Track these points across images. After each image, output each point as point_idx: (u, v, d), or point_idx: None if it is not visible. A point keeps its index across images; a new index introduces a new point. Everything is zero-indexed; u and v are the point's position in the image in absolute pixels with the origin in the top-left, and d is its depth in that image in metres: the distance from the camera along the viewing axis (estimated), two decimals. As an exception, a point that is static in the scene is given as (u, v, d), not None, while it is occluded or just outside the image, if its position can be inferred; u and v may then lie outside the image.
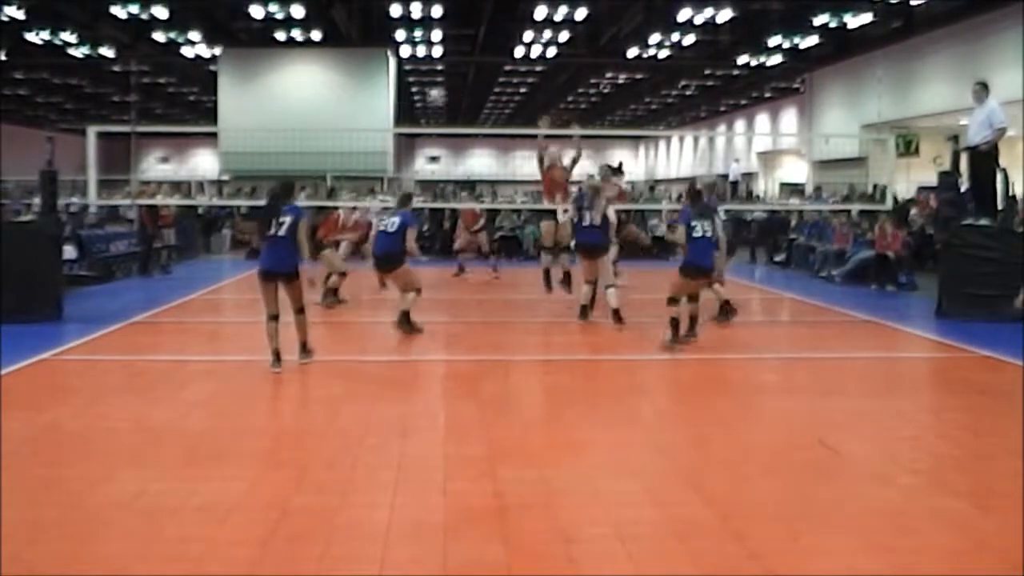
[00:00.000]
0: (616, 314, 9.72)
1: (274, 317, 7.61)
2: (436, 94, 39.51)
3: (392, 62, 26.76)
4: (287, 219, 7.61)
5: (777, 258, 19.00)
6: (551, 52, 28.09)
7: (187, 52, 27.20)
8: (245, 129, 22.78)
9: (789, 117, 33.08)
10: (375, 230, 9.86)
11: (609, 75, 34.20)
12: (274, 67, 26.23)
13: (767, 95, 34.62)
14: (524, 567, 3.85)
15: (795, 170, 31.53)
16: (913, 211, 17.97)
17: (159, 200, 16.61)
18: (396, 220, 9.50)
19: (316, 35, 25.79)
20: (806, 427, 6.17)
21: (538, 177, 11.54)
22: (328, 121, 22.83)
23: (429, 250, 19.88)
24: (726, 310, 10.30)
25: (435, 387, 7.57)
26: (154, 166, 47.95)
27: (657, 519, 4.42)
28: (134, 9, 22.48)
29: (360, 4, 24.86)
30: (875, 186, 22.14)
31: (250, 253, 20.25)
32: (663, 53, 27.69)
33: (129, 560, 3.86)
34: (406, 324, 9.49)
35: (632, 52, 27.52)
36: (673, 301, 8.64)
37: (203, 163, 46.17)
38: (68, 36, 24.48)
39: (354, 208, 12.90)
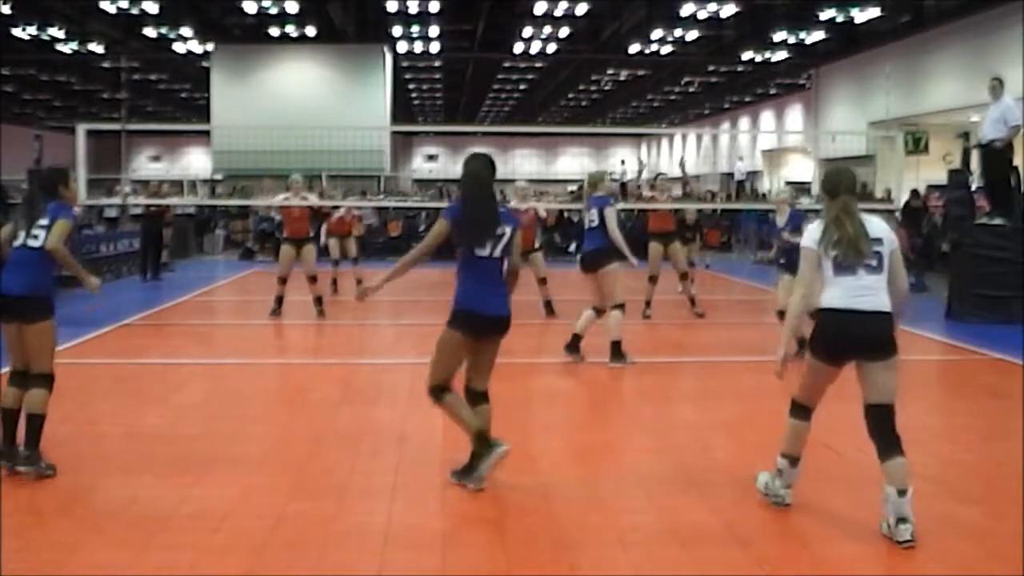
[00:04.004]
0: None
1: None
2: None
3: (388, 58, 26.54)
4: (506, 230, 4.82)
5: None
6: (551, 48, 28.02)
7: (179, 48, 26.94)
8: (238, 127, 22.58)
9: (795, 114, 33.06)
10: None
11: (611, 72, 34.08)
12: (268, 63, 25.98)
13: (772, 92, 34.60)
14: (524, 574, 3.78)
15: (801, 168, 31.29)
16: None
17: (166, 200, 16.34)
18: (594, 211, 8.07)
19: (311, 31, 25.65)
20: (812, 431, 5.93)
21: (538, 176, 11.13)
22: (323, 119, 22.69)
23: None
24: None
25: None
26: (145, 165, 47.66)
27: (660, 525, 4.35)
28: (124, 4, 22.19)
29: (356, -1, 24.66)
30: (864, 184, 21.94)
31: (244, 253, 20.01)
32: (666, 49, 27.65)
33: (120, 569, 3.78)
34: (619, 356, 7.97)
35: (634, 48, 27.44)
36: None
37: (195, 162, 45.93)
38: (56, 31, 24.28)
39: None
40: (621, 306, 7.95)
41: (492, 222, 4.70)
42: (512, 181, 13.34)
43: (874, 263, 4.13)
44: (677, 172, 13.29)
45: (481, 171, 4.81)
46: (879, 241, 4.17)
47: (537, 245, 11.13)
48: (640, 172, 13.71)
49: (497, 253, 4.72)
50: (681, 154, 38.86)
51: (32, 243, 4.92)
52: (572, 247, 20.17)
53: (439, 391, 4.76)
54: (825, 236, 4.17)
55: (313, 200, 11.51)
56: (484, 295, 4.67)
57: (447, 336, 4.74)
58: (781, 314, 7.98)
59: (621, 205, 11.56)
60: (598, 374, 8.00)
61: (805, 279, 4.28)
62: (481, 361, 4.80)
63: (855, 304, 4.10)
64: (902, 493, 4.00)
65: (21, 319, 4.88)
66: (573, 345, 8.15)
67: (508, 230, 4.75)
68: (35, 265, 4.92)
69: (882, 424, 4.19)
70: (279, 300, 10.68)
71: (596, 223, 8.05)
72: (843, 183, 4.24)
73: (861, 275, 4.11)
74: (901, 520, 3.99)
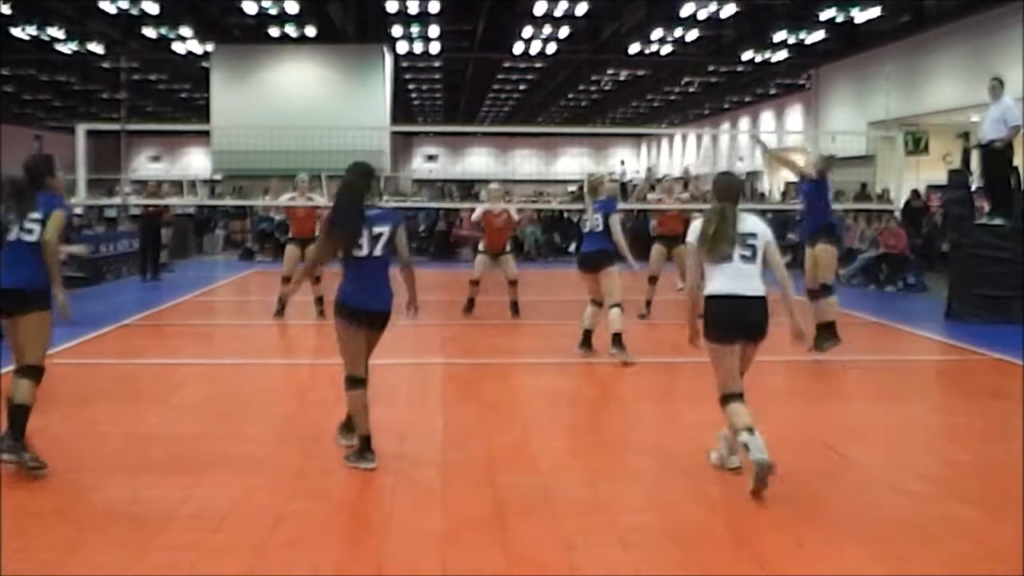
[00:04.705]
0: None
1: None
2: None
3: (388, 59, 26.51)
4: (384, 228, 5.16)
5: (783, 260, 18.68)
6: (551, 48, 27.97)
7: (178, 48, 26.88)
8: (238, 127, 22.51)
9: (795, 114, 33.00)
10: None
11: (610, 72, 34.03)
12: (268, 64, 25.96)
13: (772, 92, 34.56)
14: (524, 574, 3.79)
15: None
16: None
17: (165, 200, 16.33)
18: (599, 216, 8.29)
19: (310, 31, 25.61)
20: (812, 431, 6.11)
21: (538, 176, 11.05)
22: (323, 119, 22.66)
23: (426, 251, 19.61)
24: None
25: (433, 391, 7.39)
26: (145, 165, 47.61)
27: (660, 525, 4.35)
28: (123, 4, 22.16)
29: (356, -1, 24.63)
30: (863, 184, 22.09)
31: (244, 254, 20.01)
32: (666, 49, 27.60)
33: (120, 569, 3.78)
34: (620, 345, 8.11)
35: (634, 48, 27.39)
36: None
37: (195, 162, 45.92)
38: (56, 32, 24.20)
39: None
40: (619, 305, 8.16)
41: (356, 224, 5.01)
42: (514, 182, 13.33)
43: (748, 254, 4.81)
44: (679, 173, 13.37)
45: (352, 180, 5.13)
46: (753, 235, 4.85)
47: (509, 248, 10.99)
48: (649, 177, 13.70)
49: (377, 252, 5.08)
50: (684, 160, 39.04)
51: (27, 238, 4.88)
52: (572, 247, 20.19)
53: (350, 381, 5.16)
54: (701, 235, 4.87)
55: (319, 200, 11.48)
56: (364, 292, 5.07)
57: (338, 327, 5.18)
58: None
59: (623, 205, 11.63)
60: (598, 374, 8.02)
61: (691, 268, 5.05)
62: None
63: (736, 289, 4.77)
64: (737, 435, 4.72)
65: (20, 311, 4.85)
66: (585, 342, 8.41)
67: (387, 229, 5.09)
68: (32, 259, 4.88)
69: None
70: (282, 300, 10.67)
71: (600, 227, 8.26)
72: (723, 192, 4.92)
73: (737, 263, 4.79)
74: (733, 453, 4.91)
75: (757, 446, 4.57)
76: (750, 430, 4.62)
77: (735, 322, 4.78)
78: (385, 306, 5.16)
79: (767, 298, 4.81)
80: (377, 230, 5.06)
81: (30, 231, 4.88)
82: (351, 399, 5.16)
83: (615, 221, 8.31)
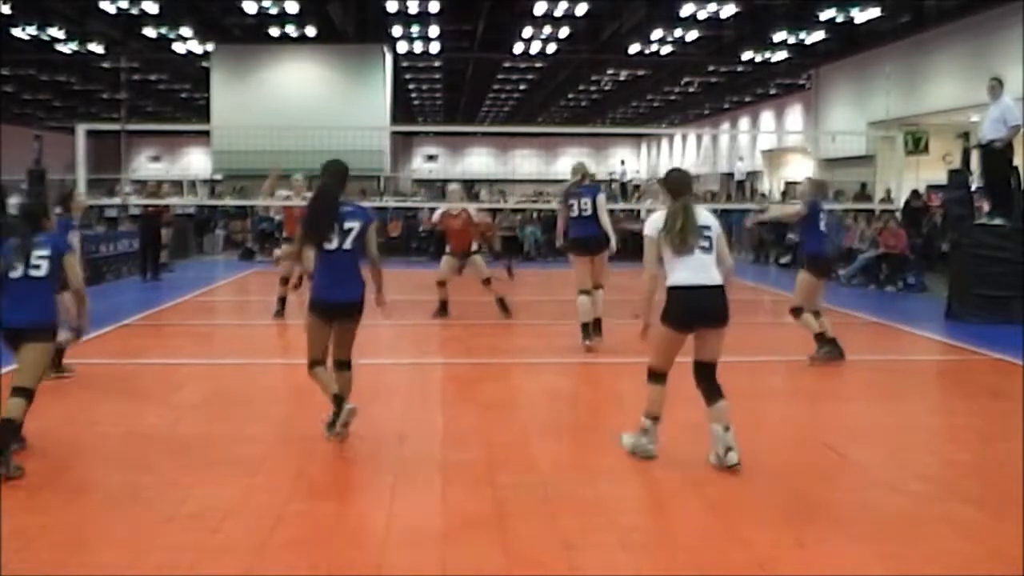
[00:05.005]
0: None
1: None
2: None
3: (388, 59, 26.49)
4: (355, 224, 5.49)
5: (783, 260, 18.71)
6: (551, 48, 27.97)
7: (179, 48, 26.89)
8: (238, 127, 22.48)
9: (795, 114, 32.96)
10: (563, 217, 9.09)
11: (610, 72, 33.99)
12: (268, 64, 25.95)
13: (772, 92, 34.50)
14: (524, 574, 3.78)
15: (801, 169, 31.26)
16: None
17: (165, 200, 16.33)
18: (587, 200, 8.66)
19: (311, 31, 25.60)
20: (812, 432, 6.16)
21: (538, 176, 11.02)
22: (323, 119, 22.60)
23: (425, 251, 19.60)
24: None
25: (433, 391, 7.41)
26: (145, 165, 47.60)
27: (660, 525, 4.40)
28: (124, 4, 22.18)
29: (356, -1, 24.62)
30: (863, 184, 22.10)
31: (244, 254, 20.03)
32: (666, 49, 27.58)
33: (120, 569, 3.78)
34: (599, 332, 8.71)
35: (634, 48, 27.37)
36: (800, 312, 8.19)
37: (195, 162, 45.93)
38: (56, 31, 24.19)
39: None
40: (602, 286, 8.80)
41: (328, 222, 5.38)
42: (514, 181, 13.28)
43: (706, 244, 5.04)
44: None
45: (327, 181, 5.53)
46: (708, 228, 5.07)
47: (475, 248, 10.80)
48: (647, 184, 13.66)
49: (347, 246, 5.42)
50: (684, 159, 39.01)
51: (35, 273, 5.08)
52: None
53: (312, 365, 5.48)
54: (664, 226, 5.03)
55: None
56: (334, 284, 5.39)
57: (308, 320, 5.52)
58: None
59: (622, 205, 11.69)
60: (598, 374, 8.03)
61: (651, 261, 5.17)
62: (342, 338, 5.52)
63: (698, 280, 4.99)
64: (727, 429, 4.99)
65: (26, 343, 5.02)
66: (586, 332, 8.61)
67: (357, 225, 5.45)
68: (41, 294, 5.11)
69: (708, 377, 5.15)
70: (282, 301, 10.67)
71: (589, 211, 8.63)
72: (680, 187, 5.10)
73: (697, 255, 5.01)
74: (729, 449, 4.96)
75: (651, 438, 5.15)
76: (656, 419, 5.15)
77: (699, 311, 5.03)
78: (355, 296, 5.44)
79: (725, 286, 5.08)
80: (348, 225, 5.41)
81: (37, 266, 5.10)
82: (315, 375, 5.46)
83: (602, 203, 8.72)
